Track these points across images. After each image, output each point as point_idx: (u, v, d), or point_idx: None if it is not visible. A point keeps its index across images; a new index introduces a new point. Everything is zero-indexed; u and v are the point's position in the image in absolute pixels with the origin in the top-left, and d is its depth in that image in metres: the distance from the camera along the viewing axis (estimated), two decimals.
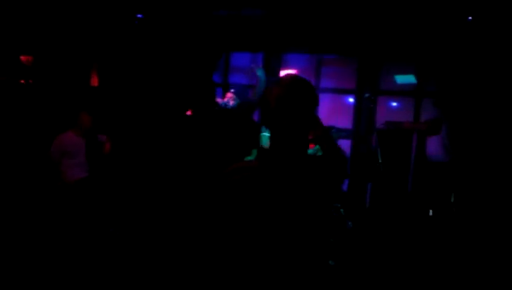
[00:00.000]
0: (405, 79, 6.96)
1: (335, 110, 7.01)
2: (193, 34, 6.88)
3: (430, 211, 5.63)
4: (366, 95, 5.11)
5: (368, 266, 4.56)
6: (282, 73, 7.18)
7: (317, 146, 5.00)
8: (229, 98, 4.52)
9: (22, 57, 6.70)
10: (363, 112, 6.32)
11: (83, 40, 6.86)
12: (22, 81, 6.75)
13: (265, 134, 4.47)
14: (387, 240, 5.35)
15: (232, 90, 4.70)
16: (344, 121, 6.82)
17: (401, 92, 6.94)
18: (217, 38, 6.98)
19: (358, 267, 4.49)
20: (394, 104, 6.97)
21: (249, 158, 4.55)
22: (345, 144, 6.55)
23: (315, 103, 1.82)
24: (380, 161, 4.85)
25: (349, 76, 7.05)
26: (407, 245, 5.24)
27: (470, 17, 5.41)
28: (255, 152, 4.63)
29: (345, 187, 6.48)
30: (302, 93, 1.78)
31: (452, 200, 5.70)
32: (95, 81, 7.12)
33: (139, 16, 6.51)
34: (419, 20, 6.02)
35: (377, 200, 6.08)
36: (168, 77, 6.84)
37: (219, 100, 4.60)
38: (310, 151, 4.91)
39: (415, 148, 6.24)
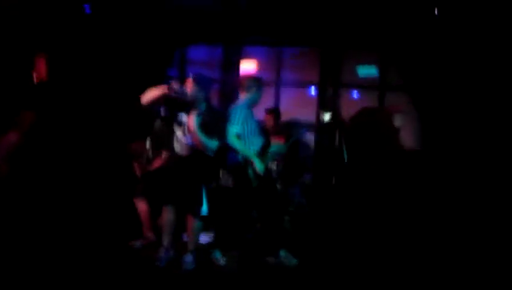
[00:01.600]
0: (367, 71, 6.82)
1: (298, 102, 6.81)
2: (146, 26, 6.51)
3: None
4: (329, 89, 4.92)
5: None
6: (242, 66, 6.94)
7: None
8: (188, 84, 4.05)
9: None
10: (326, 105, 6.11)
11: (27, 32, 6.35)
12: None
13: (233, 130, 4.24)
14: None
15: (192, 76, 4.05)
16: (307, 114, 6.64)
17: (364, 86, 6.79)
18: (171, 31, 6.65)
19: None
20: (356, 96, 6.81)
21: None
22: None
23: None
24: (345, 156, 4.67)
25: (312, 68, 6.85)
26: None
27: (436, 10, 5.31)
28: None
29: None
30: None
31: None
32: (39, 76, 6.60)
33: (86, 6, 6.07)
34: (382, 8, 5.86)
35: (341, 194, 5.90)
36: (118, 72, 6.46)
37: (175, 86, 4.07)
38: (274, 148, 4.72)
39: None
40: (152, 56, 6.61)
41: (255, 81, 4.61)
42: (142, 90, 6.43)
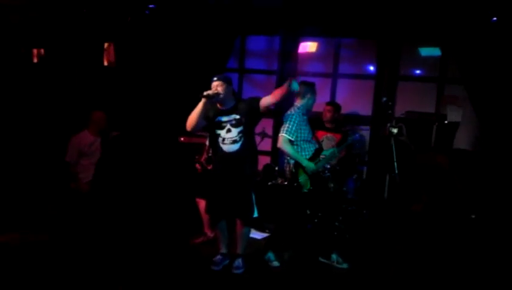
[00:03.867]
0: (429, 51, 6.70)
1: (354, 95, 6.83)
2: (207, 17, 6.68)
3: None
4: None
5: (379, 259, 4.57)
6: (302, 46, 6.97)
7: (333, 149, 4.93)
8: (217, 86, 4.09)
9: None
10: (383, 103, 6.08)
11: (96, 22, 6.70)
12: (35, 60, 6.67)
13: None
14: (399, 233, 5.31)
15: (215, 78, 4.12)
16: (364, 108, 6.68)
17: (422, 78, 6.69)
18: (231, 21, 6.78)
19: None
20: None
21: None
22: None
23: None
24: (394, 158, 4.72)
25: (369, 59, 6.82)
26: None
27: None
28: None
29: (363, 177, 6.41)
30: None
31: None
32: (106, 62, 6.98)
33: (151, 6, 6.34)
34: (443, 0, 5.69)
35: (394, 191, 5.97)
36: (179, 63, 6.72)
37: (208, 92, 4.28)
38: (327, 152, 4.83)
39: (434, 138, 6.05)
40: (212, 46, 6.79)
41: (309, 86, 4.69)
42: (203, 81, 6.76)
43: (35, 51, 6.66)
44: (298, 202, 4.64)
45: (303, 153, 4.58)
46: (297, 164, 4.53)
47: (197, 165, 5.18)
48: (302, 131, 4.57)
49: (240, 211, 4.25)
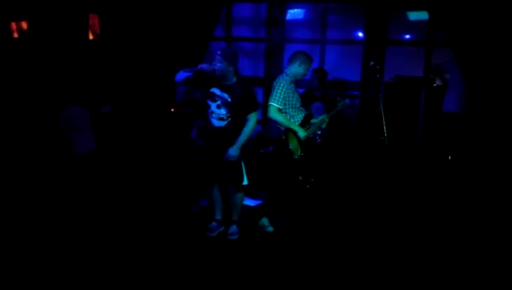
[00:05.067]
0: (417, 15, 6.72)
1: (343, 61, 6.83)
2: None
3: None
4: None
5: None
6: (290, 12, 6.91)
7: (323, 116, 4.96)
8: (217, 62, 4.11)
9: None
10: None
11: None
12: (16, 35, 6.51)
13: None
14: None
15: (219, 52, 4.12)
16: (353, 73, 6.68)
17: (410, 42, 6.70)
18: None
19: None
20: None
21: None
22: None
23: None
24: (383, 122, 4.74)
25: (357, 25, 6.79)
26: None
27: None
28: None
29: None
30: None
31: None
32: (91, 35, 6.86)
33: None
34: None
35: (384, 154, 6.04)
36: (167, 33, 6.64)
37: (203, 66, 4.30)
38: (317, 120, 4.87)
39: (423, 102, 6.10)
40: (199, 15, 6.72)
41: (301, 55, 4.68)
42: (191, 49, 6.71)
43: (14, 25, 6.48)
44: (290, 168, 4.69)
45: (292, 120, 4.62)
46: (287, 131, 4.57)
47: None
48: (290, 98, 4.60)
49: (229, 178, 4.31)
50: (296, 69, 4.65)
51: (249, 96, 4.18)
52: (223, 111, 4.17)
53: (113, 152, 5.90)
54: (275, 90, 4.53)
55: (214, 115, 4.20)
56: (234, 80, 4.19)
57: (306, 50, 4.85)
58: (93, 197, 5.12)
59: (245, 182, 4.33)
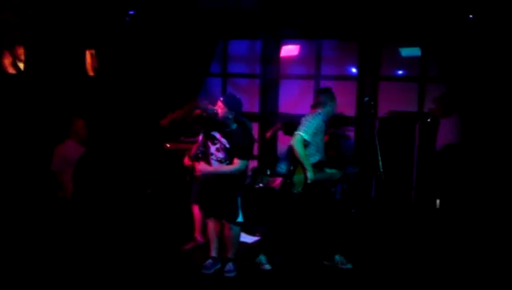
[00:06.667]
0: (410, 52, 6.80)
1: (338, 97, 6.84)
2: (189, 23, 6.68)
3: (437, 202, 5.60)
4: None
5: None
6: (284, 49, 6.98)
7: None
8: (218, 107, 4.27)
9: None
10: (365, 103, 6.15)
11: (76, 30, 6.58)
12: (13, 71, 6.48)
13: None
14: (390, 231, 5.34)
15: (221, 99, 4.21)
16: (348, 109, 6.71)
17: (403, 78, 6.80)
18: (213, 26, 6.80)
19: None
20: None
21: None
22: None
23: None
24: (379, 157, 4.74)
25: (351, 61, 6.89)
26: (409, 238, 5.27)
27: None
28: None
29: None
30: None
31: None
32: (91, 70, 6.86)
33: (131, 12, 6.30)
34: (421, 2, 5.79)
35: (382, 190, 6.03)
36: (162, 69, 6.70)
37: (209, 106, 4.32)
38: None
39: (418, 137, 6.15)
40: (194, 52, 6.81)
41: (327, 94, 4.59)
42: (187, 85, 6.75)
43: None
44: (289, 203, 4.63)
45: (310, 159, 4.41)
46: (297, 163, 4.43)
47: (186, 159, 5.06)
48: (318, 136, 4.44)
49: (224, 213, 4.28)
50: (328, 108, 4.51)
51: (247, 144, 4.25)
52: (221, 155, 4.23)
53: (108, 186, 5.81)
54: (309, 122, 4.37)
55: (213, 157, 4.26)
56: (234, 126, 4.22)
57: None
58: (87, 235, 5.01)
59: (240, 219, 4.28)
